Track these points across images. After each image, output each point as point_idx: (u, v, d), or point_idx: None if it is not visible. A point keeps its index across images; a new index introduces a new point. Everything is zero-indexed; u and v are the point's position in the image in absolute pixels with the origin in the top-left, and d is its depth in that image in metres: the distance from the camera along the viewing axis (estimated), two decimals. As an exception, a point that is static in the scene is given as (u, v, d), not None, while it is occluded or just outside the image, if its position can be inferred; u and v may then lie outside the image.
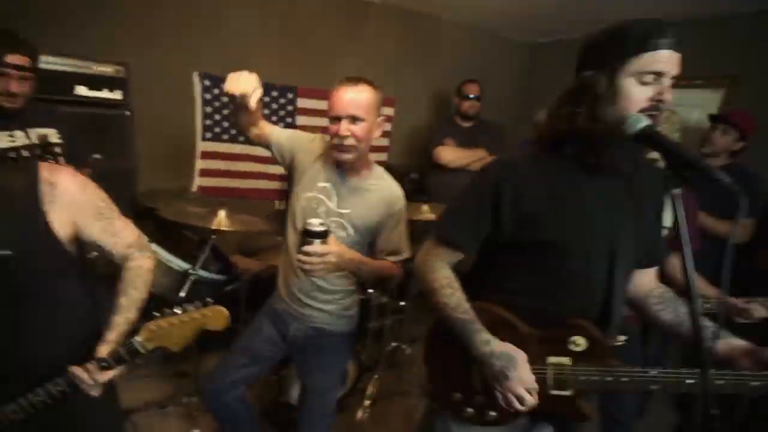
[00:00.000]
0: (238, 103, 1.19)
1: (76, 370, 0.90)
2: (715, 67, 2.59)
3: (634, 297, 1.05)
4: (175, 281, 1.85)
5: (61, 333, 1.00)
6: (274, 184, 3.08)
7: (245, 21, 2.77)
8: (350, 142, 1.23)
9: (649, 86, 0.78)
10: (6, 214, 0.86)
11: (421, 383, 2.31)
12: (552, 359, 0.88)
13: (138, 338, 0.92)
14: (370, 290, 2.25)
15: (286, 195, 2.90)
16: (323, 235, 1.15)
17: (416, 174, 3.27)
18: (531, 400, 0.86)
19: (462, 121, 2.90)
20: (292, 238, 1.41)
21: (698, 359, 0.67)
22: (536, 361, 0.89)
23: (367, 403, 2.19)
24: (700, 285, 1.60)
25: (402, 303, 2.60)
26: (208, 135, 2.78)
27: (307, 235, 1.14)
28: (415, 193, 2.84)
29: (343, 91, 1.23)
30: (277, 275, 1.55)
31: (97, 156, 1.94)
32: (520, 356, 0.87)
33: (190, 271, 1.80)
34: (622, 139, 0.77)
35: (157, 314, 0.94)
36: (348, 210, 1.34)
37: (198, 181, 2.79)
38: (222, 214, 1.84)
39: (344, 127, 1.22)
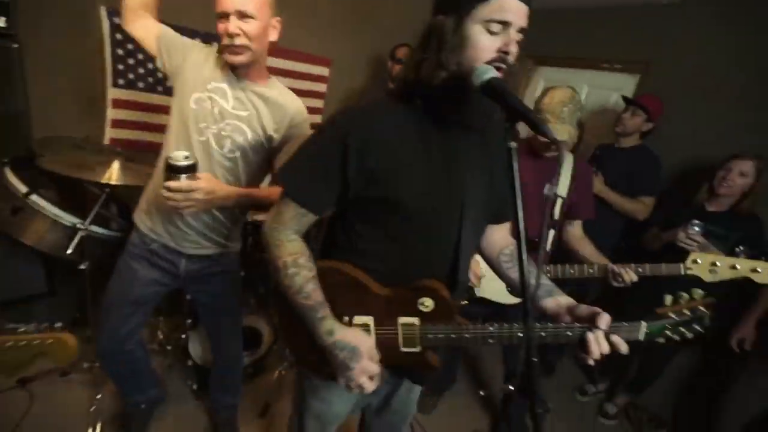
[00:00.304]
0: None
1: None
2: (631, 52, 2.72)
3: (487, 255, 1.10)
4: (64, 237, 1.71)
5: None
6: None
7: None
8: (241, 41, 1.14)
9: (497, 36, 0.76)
10: None
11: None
12: (402, 320, 0.91)
13: None
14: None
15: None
16: (190, 170, 1.09)
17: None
18: (371, 385, 0.89)
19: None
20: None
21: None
22: (387, 321, 0.91)
23: (285, 365, 2.22)
24: (591, 251, 1.77)
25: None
26: (121, 82, 2.52)
27: (171, 170, 1.08)
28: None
29: None
30: None
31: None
32: (364, 346, 0.88)
33: (78, 225, 1.67)
34: (470, 91, 0.76)
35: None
36: (246, 113, 1.26)
37: (109, 133, 2.55)
38: (116, 165, 1.70)
39: (234, 24, 1.12)
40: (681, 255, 1.83)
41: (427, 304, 0.89)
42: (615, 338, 0.83)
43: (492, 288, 1.81)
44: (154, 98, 2.63)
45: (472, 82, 0.74)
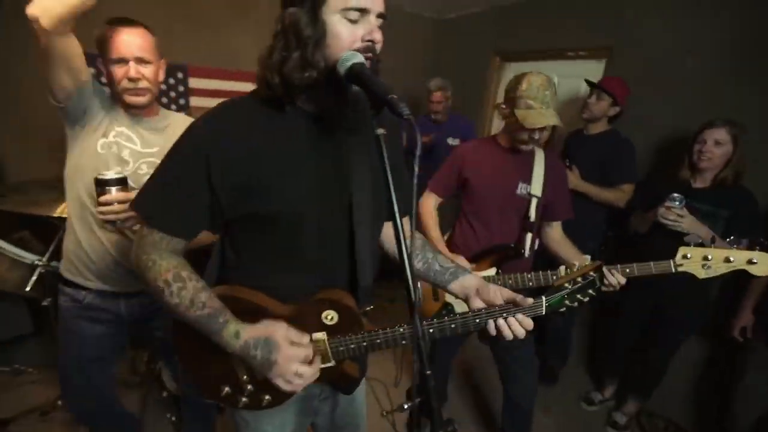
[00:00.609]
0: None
1: None
2: (594, 38, 2.68)
3: (388, 251, 1.06)
4: (26, 275, 1.73)
5: None
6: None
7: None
8: (143, 84, 1.23)
9: (358, 24, 0.72)
10: None
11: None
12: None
13: None
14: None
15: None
16: (121, 182, 1.12)
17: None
18: (310, 369, 0.79)
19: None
20: (86, 201, 1.25)
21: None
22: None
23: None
24: (572, 253, 1.66)
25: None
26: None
27: (102, 185, 1.11)
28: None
29: (125, 32, 1.20)
30: None
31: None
32: (277, 333, 0.79)
33: (36, 262, 1.68)
34: (341, 84, 0.71)
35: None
36: (156, 149, 1.31)
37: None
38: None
39: (134, 68, 1.20)
40: (674, 235, 1.78)
41: (331, 316, 0.85)
42: (519, 316, 0.84)
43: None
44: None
45: (339, 72, 0.71)
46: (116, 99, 1.28)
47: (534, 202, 1.64)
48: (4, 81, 2.28)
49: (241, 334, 0.79)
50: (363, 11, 0.72)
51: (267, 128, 0.79)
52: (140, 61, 1.21)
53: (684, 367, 2.29)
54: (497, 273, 1.66)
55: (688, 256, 1.33)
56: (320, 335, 0.85)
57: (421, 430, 0.72)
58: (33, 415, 1.94)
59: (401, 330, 0.84)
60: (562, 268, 0.83)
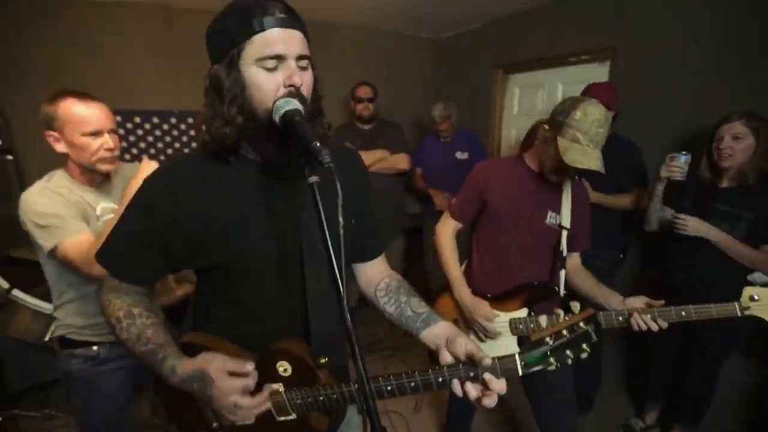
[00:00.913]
0: None
1: None
2: (595, 41, 2.59)
3: (366, 294, 1.02)
4: (47, 325, 1.82)
5: None
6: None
7: (126, 49, 2.75)
8: (117, 152, 1.34)
9: (277, 72, 0.71)
10: None
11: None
12: (266, 387, 0.83)
13: None
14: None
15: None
16: None
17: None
18: (249, 401, 0.76)
19: (361, 124, 2.89)
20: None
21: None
22: (254, 391, 0.81)
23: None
24: (592, 284, 1.52)
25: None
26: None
27: None
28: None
29: (94, 106, 1.28)
30: None
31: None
32: (211, 366, 0.75)
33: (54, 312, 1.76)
34: (279, 131, 0.70)
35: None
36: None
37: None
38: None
39: (112, 139, 1.31)
40: (694, 240, 1.65)
41: (284, 368, 0.82)
42: (488, 376, 0.72)
43: (499, 347, 1.55)
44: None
45: (275, 122, 0.71)
46: (77, 177, 1.33)
47: (564, 234, 1.48)
48: (33, 143, 2.47)
49: (177, 369, 0.78)
50: (278, 58, 0.71)
51: (215, 181, 0.80)
52: (112, 131, 1.31)
53: (738, 387, 2.06)
54: (529, 314, 1.50)
55: (756, 297, 1.17)
56: (276, 386, 0.83)
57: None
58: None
59: (356, 386, 0.78)
60: (543, 317, 0.70)
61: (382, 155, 2.76)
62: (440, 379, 0.75)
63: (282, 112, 0.69)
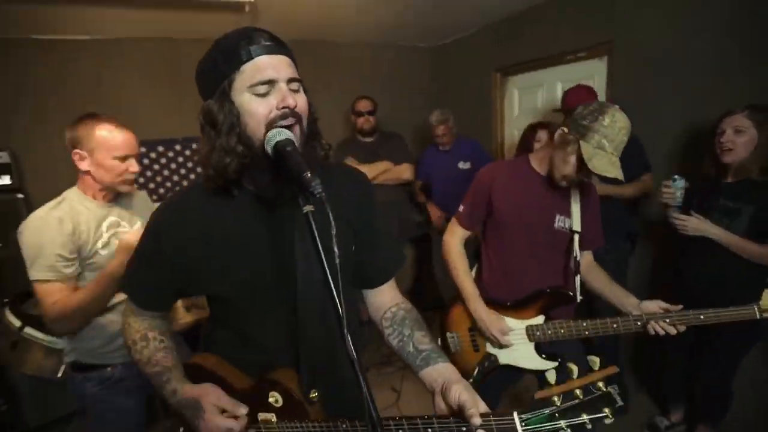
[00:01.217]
0: None
1: None
2: (592, 37, 2.57)
3: (375, 321, 0.98)
4: (60, 361, 1.81)
5: None
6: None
7: (131, 84, 2.82)
8: (137, 175, 1.43)
9: (269, 96, 0.72)
10: None
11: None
12: (261, 416, 0.83)
13: None
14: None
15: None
16: None
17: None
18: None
19: (363, 137, 2.89)
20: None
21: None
22: (249, 418, 0.82)
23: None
24: (604, 281, 1.50)
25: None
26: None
27: None
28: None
29: (125, 132, 1.36)
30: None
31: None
32: (207, 398, 0.78)
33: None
34: (272, 161, 0.70)
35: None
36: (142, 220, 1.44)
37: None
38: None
39: (135, 163, 1.39)
40: (704, 242, 1.62)
41: (276, 399, 0.81)
42: None
43: (517, 354, 1.52)
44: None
45: (269, 153, 0.70)
46: (92, 194, 1.39)
47: (576, 238, 1.44)
48: (43, 182, 2.52)
49: (177, 393, 0.82)
50: (269, 83, 0.71)
51: (215, 214, 0.80)
52: (136, 157, 1.41)
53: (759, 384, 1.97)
54: (546, 320, 1.47)
55: None
56: (271, 416, 0.81)
57: None
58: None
59: (343, 426, 0.77)
60: (551, 373, 0.65)
61: (385, 167, 2.75)
62: (429, 430, 0.70)
63: (273, 143, 0.69)
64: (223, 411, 0.79)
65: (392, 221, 2.87)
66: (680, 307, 1.26)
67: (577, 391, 0.65)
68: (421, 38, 3.65)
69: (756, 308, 1.17)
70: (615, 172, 1.23)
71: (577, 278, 1.45)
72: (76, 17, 2.35)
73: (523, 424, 0.65)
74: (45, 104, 2.61)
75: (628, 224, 2.33)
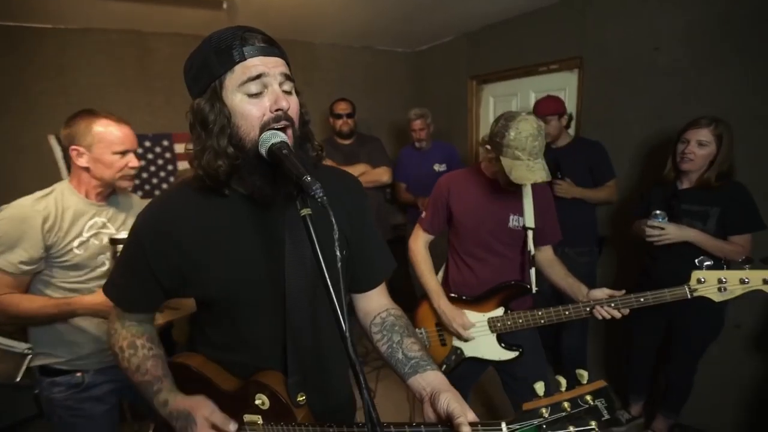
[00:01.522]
0: None
1: None
2: (563, 50, 2.68)
3: (363, 327, 0.97)
4: (18, 364, 1.72)
5: None
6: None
7: (97, 75, 2.69)
8: (136, 170, 1.40)
9: (262, 97, 0.70)
10: None
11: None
12: (247, 417, 0.82)
13: None
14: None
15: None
16: None
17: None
18: None
19: (341, 140, 2.90)
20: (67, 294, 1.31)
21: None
22: (235, 419, 0.82)
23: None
24: (560, 273, 1.60)
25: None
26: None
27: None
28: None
29: (125, 127, 1.34)
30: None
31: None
32: (199, 412, 0.78)
33: (26, 351, 1.67)
34: (266, 162, 0.69)
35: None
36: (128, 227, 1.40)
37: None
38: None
39: (135, 158, 1.37)
40: (676, 248, 1.72)
41: (263, 401, 0.80)
42: None
43: (481, 346, 1.62)
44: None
45: (262, 154, 0.69)
46: (86, 191, 1.35)
47: (530, 234, 1.54)
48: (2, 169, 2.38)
49: (169, 404, 0.81)
50: (260, 77, 0.69)
51: (203, 215, 0.78)
52: (135, 152, 1.39)
53: (714, 374, 2.12)
54: (506, 312, 1.57)
55: (702, 279, 1.28)
56: (257, 418, 0.81)
57: None
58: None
59: (331, 430, 0.78)
60: (540, 384, 0.65)
61: (363, 169, 2.76)
62: None
63: (268, 145, 0.68)
64: (213, 425, 0.78)
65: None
66: (623, 292, 1.38)
67: (565, 404, 0.66)
68: (399, 43, 3.69)
69: (687, 288, 1.29)
70: (535, 176, 1.33)
71: (532, 271, 1.56)
72: (38, 3, 2.23)
73: None
74: (2, 93, 2.46)
75: (595, 229, 2.46)
